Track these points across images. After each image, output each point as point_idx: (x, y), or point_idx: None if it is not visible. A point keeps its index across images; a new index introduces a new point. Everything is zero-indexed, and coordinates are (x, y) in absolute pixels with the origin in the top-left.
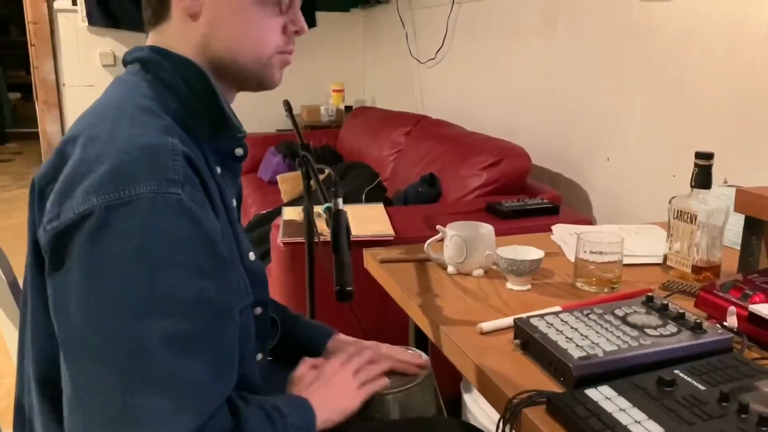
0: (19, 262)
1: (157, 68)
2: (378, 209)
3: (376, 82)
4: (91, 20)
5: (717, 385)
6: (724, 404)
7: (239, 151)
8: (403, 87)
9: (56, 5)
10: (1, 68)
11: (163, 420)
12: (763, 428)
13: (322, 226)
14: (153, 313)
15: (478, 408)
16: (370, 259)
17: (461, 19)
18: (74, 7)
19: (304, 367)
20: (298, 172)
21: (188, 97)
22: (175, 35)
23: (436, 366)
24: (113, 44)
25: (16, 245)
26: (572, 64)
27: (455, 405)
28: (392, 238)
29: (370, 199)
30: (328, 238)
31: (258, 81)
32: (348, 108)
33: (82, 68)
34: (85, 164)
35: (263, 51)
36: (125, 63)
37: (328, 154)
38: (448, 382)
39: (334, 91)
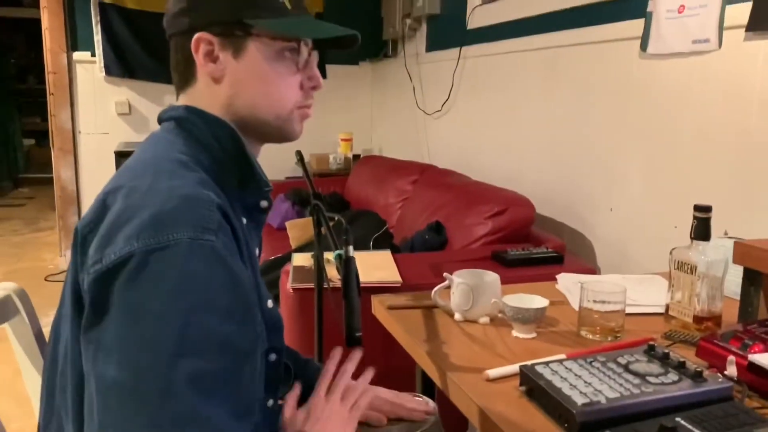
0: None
1: (190, 126)
2: (385, 256)
3: (384, 132)
4: (109, 71)
5: None
6: None
7: (264, 204)
8: (410, 137)
9: (75, 56)
10: (18, 115)
11: None
12: None
13: (331, 273)
14: (183, 353)
15: None
16: (378, 306)
17: (466, 73)
18: (93, 59)
19: (291, 408)
20: (307, 219)
21: (219, 154)
22: (202, 97)
23: (443, 413)
24: (128, 93)
25: (28, 288)
26: (574, 117)
27: None
28: (399, 285)
29: (377, 246)
30: (337, 283)
31: (280, 135)
32: (356, 156)
33: (98, 116)
34: (128, 212)
35: (283, 108)
36: (160, 120)
37: (336, 202)
38: (454, 429)
39: (343, 140)
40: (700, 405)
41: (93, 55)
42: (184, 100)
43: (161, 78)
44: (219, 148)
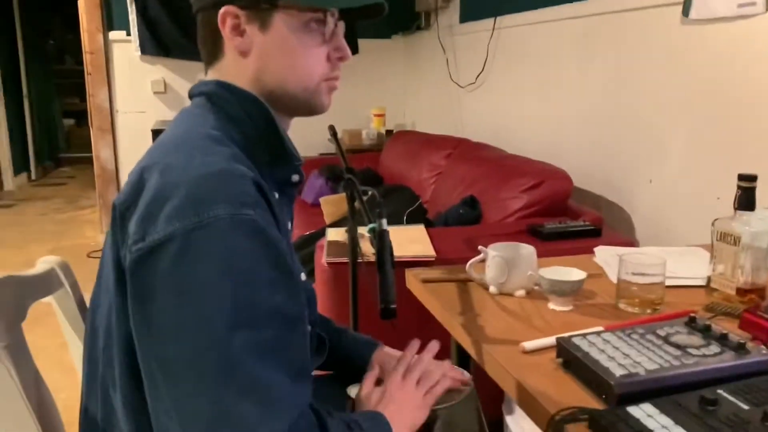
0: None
1: (221, 101)
2: (419, 230)
3: (417, 107)
4: (144, 50)
5: (760, 405)
6: (767, 422)
7: (295, 178)
8: (443, 111)
9: (111, 36)
10: (58, 96)
11: (254, 425)
12: None
13: (365, 247)
14: (237, 325)
15: (520, 430)
16: (413, 279)
17: (501, 44)
18: (128, 38)
19: (369, 386)
20: (341, 195)
21: (250, 128)
22: (231, 71)
23: (479, 385)
24: (164, 72)
25: (71, 265)
26: (612, 87)
27: (497, 428)
28: (433, 259)
29: (410, 221)
30: (371, 258)
31: (308, 107)
32: (389, 132)
33: (134, 95)
34: (166, 190)
35: (311, 80)
36: (191, 96)
37: (369, 177)
38: (489, 404)
39: (375, 115)
40: (742, 377)
41: (128, 34)
42: (212, 74)
43: (196, 56)
44: (250, 123)
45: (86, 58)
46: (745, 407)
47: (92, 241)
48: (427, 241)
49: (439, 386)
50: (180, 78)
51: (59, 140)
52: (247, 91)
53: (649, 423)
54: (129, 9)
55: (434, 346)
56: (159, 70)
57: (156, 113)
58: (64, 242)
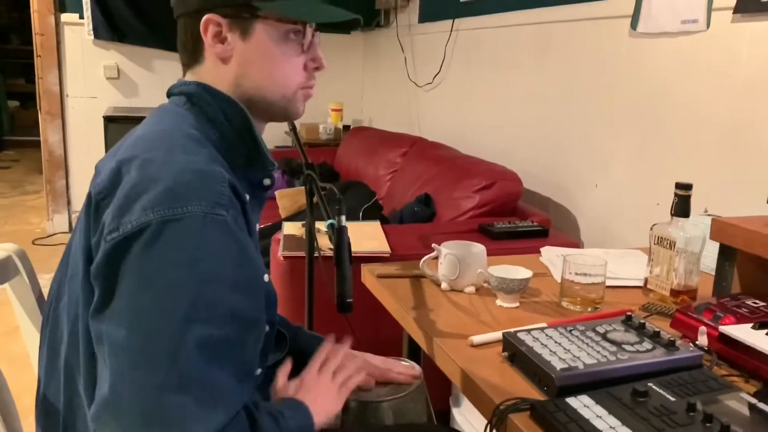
0: None
1: (201, 102)
2: (375, 227)
3: (374, 103)
4: (97, 34)
5: (686, 397)
6: (691, 414)
7: (267, 181)
8: (400, 109)
9: (63, 18)
10: (2, 76)
11: (192, 419)
12: None
13: (322, 242)
14: (194, 319)
15: (466, 422)
16: (368, 274)
17: (459, 46)
18: (81, 21)
19: (283, 378)
20: (297, 189)
21: (228, 131)
22: (210, 75)
23: (428, 377)
24: (118, 57)
25: None
26: (564, 94)
27: (444, 419)
28: (388, 255)
29: (367, 217)
30: (327, 253)
31: (284, 114)
32: (346, 127)
33: (86, 80)
34: (143, 183)
35: (288, 88)
36: (170, 94)
37: (326, 172)
38: (438, 395)
39: (333, 110)
40: (671, 372)
41: (81, 17)
42: (191, 77)
43: (151, 42)
44: (228, 126)
45: (36, 39)
46: (672, 399)
47: (37, 227)
48: (383, 238)
49: (353, 379)
50: (134, 64)
51: (3, 122)
52: (227, 95)
53: (585, 413)
54: None
55: (347, 341)
56: (113, 56)
57: (108, 99)
58: (8, 228)
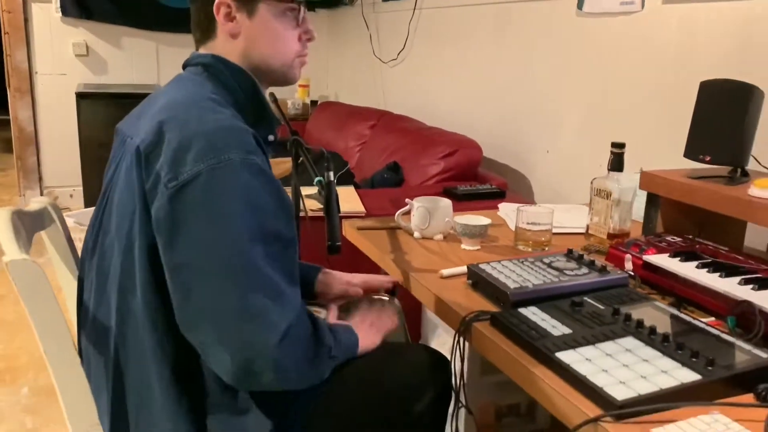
0: None
1: (216, 72)
2: (349, 191)
3: (340, 79)
4: (65, 12)
5: (611, 306)
6: (616, 316)
7: (271, 137)
8: (366, 84)
9: None
10: None
11: (271, 312)
12: (639, 329)
13: (308, 204)
14: (253, 239)
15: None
16: (349, 228)
17: (422, 23)
18: None
19: (333, 317)
20: (277, 159)
21: (240, 95)
22: (222, 49)
23: (405, 311)
24: (86, 35)
25: None
26: (519, 69)
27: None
28: (363, 215)
29: (340, 183)
30: (313, 213)
31: (284, 79)
32: (313, 102)
33: (54, 57)
34: (187, 139)
35: (287, 56)
36: (188, 64)
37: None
38: (411, 324)
39: (300, 86)
40: (602, 290)
41: None
42: (205, 50)
43: (119, 20)
44: (240, 91)
45: (3, 16)
46: (602, 307)
47: (8, 203)
48: (357, 200)
49: (384, 328)
50: (103, 41)
51: None
52: (237, 65)
53: (533, 318)
54: None
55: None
56: (81, 33)
57: (78, 76)
58: None
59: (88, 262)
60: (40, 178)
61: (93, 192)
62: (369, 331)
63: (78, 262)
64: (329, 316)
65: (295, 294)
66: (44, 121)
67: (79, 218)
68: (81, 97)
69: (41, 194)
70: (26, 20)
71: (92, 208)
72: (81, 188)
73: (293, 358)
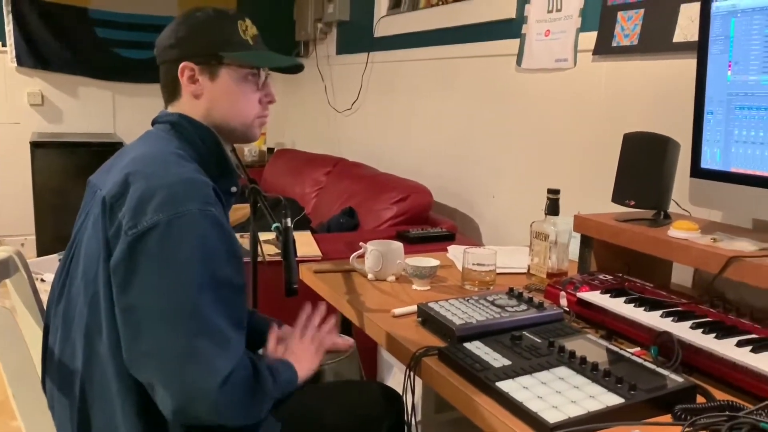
0: None
1: (182, 129)
2: (306, 236)
3: (296, 127)
4: (20, 62)
5: (548, 339)
6: (551, 348)
7: (234, 189)
8: (322, 132)
9: None
10: None
11: (215, 356)
12: (572, 359)
13: (265, 248)
14: (205, 287)
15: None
16: (306, 271)
17: (374, 76)
18: (3, 49)
19: (273, 342)
20: (236, 205)
21: (203, 150)
22: (186, 108)
23: (360, 350)
24: (41, 84)
25: None
26: (465, 119)
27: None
28: (320, 258)
29: (297, 228)
30: (270, 258)
31: (244, 137)
32: (270, 149)
33: (8, 106)
34: (150, 190)
35: (248, 118)
36: (156, 122)
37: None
38: (367, 363)
39: None
40: (540, 324)
41: (4, 45)
42: (172, 109)
43: (76, 70)
44: (203, 146)
45: None
46: (539, 340)
47: None
48: (314, 244)
49: (326, 341)
50: (58, 91)
51: None
52: (201, 123)
53: (477, 352)
54: (5, 19)
55: (322, 309)
56: (36, 83)
57: (33, 125)
58: None
59: (53, 308)
60: None
61: (46, 241)
62: (307, 352)
63: (42, 310)
64: (270, 341)
65: (240, 339)
66: None
67: (34, 267)
68: (36, 146)
69: None
70: None
71: (47, 257)
72: (33, 237)
73: (232, 400)
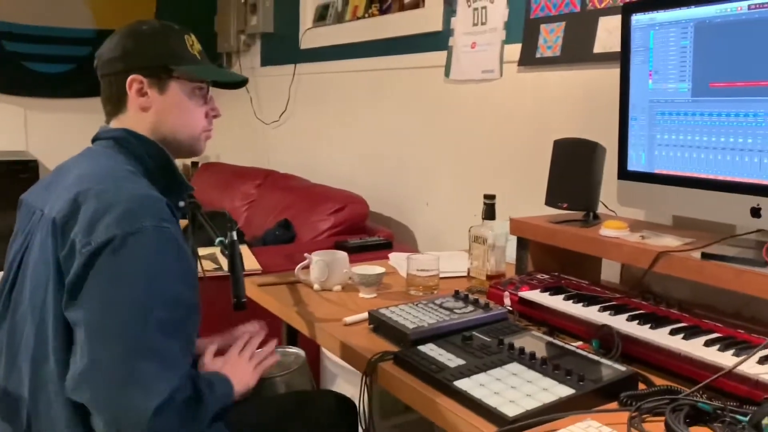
0: None
1: (128, 144)
2: (243, 249)
3: (221, 141)
4: None
5: (497, 337)
6: (501, 346)
7: (182, 204)
8: (249, 145)
9: None
10: None
11: (157, 379)
12: (522, 355)
13: (205, 265)
14: (152, 304)
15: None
16: (250, 285)
17: (302, 87)
18: None
19: (210, 355)
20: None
21: (151, 166)
22: (132, 122)
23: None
24: None
25: None
26: (396, 129)
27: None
28: (260, 272)
29: None
30: (210, 273)
31: (191, 151)
32: (194, 164)
33: None
34: (103, 208)
35: (195, 131)
36: (98, 138)
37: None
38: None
39: None
40: (487, 324)
41: None
42: (116, 124)
43: None
44: (150, 161)
45: None
46: (489, 339)
47: None
48: (252, 258)
49: (266, 362)
50: None
51: None
52: (148, 137)
53: (431, 354)
54: None
55: (273, 342)
56: None
57: None
58: None
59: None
60: None
61: None
62: (246, 368)
63: None
64: (207, 353)
65: (186, 360)
66: None
67: None
68: None
69: None
70: None
71: None
72: None
73: (170, 422)
